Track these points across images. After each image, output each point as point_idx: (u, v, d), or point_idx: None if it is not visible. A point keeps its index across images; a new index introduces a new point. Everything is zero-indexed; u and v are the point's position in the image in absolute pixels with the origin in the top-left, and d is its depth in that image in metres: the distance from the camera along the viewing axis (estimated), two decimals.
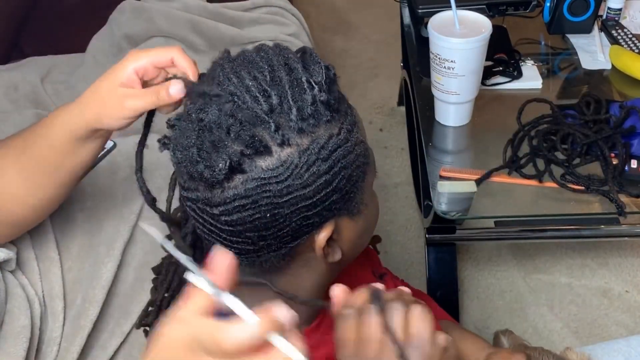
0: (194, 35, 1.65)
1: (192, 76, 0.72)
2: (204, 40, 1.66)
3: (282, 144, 0.58)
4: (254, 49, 0.64)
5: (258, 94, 0.59)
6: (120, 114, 0.75)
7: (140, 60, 0.74)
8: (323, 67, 0.62)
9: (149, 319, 0.81)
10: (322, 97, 0.60)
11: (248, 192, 0.59)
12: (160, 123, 0.73)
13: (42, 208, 0.94)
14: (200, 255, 0.77)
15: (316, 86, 0.60)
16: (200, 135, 0.59)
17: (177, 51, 0.74)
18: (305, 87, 0.60)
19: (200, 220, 0.64)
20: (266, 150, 0.58)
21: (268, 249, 0.63)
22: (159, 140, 0.64)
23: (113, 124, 0.77)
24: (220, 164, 0.58)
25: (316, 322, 0.73)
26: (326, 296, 0.74)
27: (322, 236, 0.63)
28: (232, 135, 0.58)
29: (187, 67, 0.72)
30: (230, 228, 0.61)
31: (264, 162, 0.58)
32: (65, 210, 1.16)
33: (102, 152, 1.21)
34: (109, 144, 1.22)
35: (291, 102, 0.59)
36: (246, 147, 0.58)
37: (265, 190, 0.59)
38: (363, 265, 0.86)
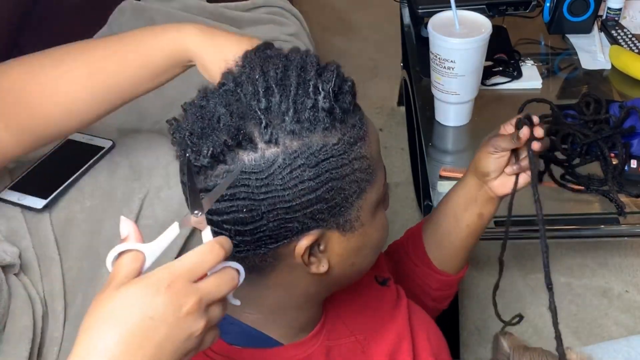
0: None
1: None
2: None
3: (269, 142, 0.58)
4: (286, 49, 0.65)
5: (260, 89, 0.59)
6: None
7: None
8: (336, 77, 0.61)
9: None
10: (326, 105, 0.59)
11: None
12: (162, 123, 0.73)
13: (88, 123, 0.96)
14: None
15: (322, 92, 0.60)
16: (196, 121, 0.60)
17: None
18: (310, 91, 0.60)
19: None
20: (251, 145, 0.58)
21: (246, 245, 0.62)
22: (167, 121, 0.64)
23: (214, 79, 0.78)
24: (204, 151, 0.58)
25: (317, 328, 0.73)
26: (319, 308, 0.74)
27: (302, 243, 0.62)
28: (221, 124, 0.59)
29: None
30: (209, 217, 0.61)
31: (247, 156, 0.59)
32: (65, 210, 1.16)
33: (101, 152, 1.21)
34: (108, 143, 1.22)
35: (290, 103, 0.59)
36: (230, 138, 0.58)
37: (244, 184, 0.59)
38: None
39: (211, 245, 0.53)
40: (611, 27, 1.50)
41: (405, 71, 1.83)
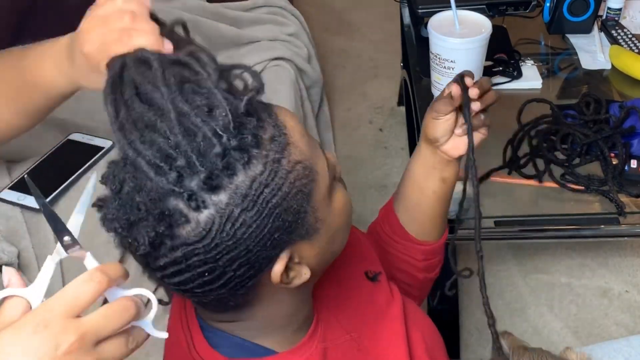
0: (194, 35, 1.65)
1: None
2: (204, 40, 1.66)
3: (198, 208, 0.55)
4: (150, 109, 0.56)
5: (161, 163, 0.54)
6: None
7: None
8: (225, 105, 0.55)
9: None
10: (233, 143, 0.54)
11: (178, 260, 0.56)
12: None
13: (28, 127, 0.95)
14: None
15: (224, 134, 0.54)
16: (119, 210, 0.56)
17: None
18: (210, 138, 0.54)
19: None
20: (183, 219, 0.55)
21: (224, 295, 0.61)
22: (93, 205, 0.59)
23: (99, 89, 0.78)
24: (141, 240, 0.55)
25: (311, 329, 0.72)
26: (310, 305, 0.73)
27: (276, 270, 0.60)
28: (143, 212, 0.55)
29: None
30: (177, 288, 0.60)
31: (184, 230, 0.55)
32: (65, 210, 1.16)
33: (101, 152, 1.21)
34: (108, 143, 1.22)
35: (197, 164, 0.54)
36: (159, 224, 0.55)
37: (195, 254, 0.56)
38: (353, 264, 0.83)
39: (91, 274, 0.49)
40: (611, 27, 1.50)
41: (405, 71, 1.82)
